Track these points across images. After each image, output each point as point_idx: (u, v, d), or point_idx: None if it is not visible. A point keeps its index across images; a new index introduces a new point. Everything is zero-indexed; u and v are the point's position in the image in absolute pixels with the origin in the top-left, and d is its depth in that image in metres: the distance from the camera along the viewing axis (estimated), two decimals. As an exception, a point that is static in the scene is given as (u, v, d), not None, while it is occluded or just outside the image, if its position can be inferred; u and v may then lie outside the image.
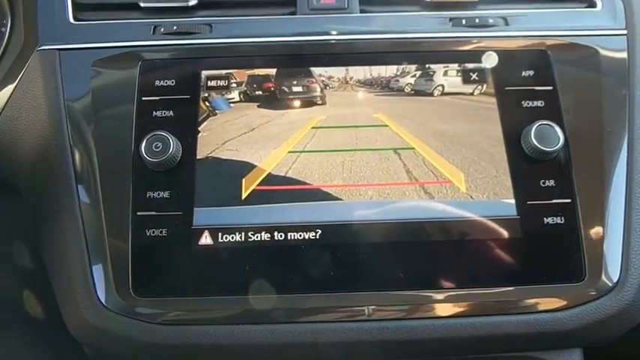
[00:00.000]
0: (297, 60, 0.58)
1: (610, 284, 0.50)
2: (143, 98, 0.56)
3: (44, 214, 0.56)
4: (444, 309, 0.50)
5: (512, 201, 0.52)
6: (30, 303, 0.66)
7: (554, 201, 0.52)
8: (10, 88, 0.58)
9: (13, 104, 0.57)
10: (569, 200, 0.52)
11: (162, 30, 0.59)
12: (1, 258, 0.65)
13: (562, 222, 0.51)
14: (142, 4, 0.62)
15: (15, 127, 0.57)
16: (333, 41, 0.59)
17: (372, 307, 0.50)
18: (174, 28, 0.59)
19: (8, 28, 0.63)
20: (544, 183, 0.52)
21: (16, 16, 0.64)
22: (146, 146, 0.52)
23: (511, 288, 0.50)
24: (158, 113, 0.55)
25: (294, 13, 0.61)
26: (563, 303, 0.50)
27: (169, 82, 0.57)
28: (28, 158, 0.57)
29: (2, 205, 0.61)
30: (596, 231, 0.51)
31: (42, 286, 0.58)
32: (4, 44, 0.62)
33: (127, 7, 0.62)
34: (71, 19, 0.60)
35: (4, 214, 0.61)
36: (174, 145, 0.52)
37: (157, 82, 0.57)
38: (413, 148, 0.54)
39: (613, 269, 0.50)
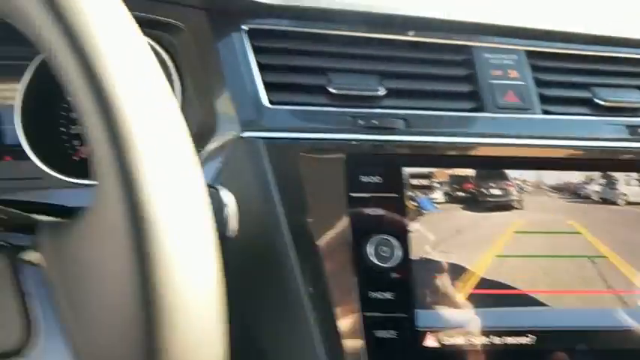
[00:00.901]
0: (492, 161, 0.62)
1: None
2: (352, 194, 0.59)
3: (259, 300, 0.58)
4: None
5: (695, 312, 0.59)
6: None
7: None
8: (212, 174, 0.60)
9: None
10: None
11: (361, 122, 0.62)
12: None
13: None
14: (332, 91, 0.63)
15: None
16: (524, 144, 0.63)
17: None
18: (374, 121, 0.62)
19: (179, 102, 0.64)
20: None
21: (189, 89, 0.64)
22: (373, 250, 0.56)
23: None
24: (370, 211, 0.58)
25: (479, 108, 0.65)
26: None
27: (375, 179, 0.59)
28: (239, 248, 0.58)
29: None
30: None
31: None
32: None
33: (315, 90, 0.64)
34: (267, 104, 0.62)
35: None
36: (400, 250, 0.56)
37: (363, 178, 0.59)
38: (605, 257, 0.60)
39: None
